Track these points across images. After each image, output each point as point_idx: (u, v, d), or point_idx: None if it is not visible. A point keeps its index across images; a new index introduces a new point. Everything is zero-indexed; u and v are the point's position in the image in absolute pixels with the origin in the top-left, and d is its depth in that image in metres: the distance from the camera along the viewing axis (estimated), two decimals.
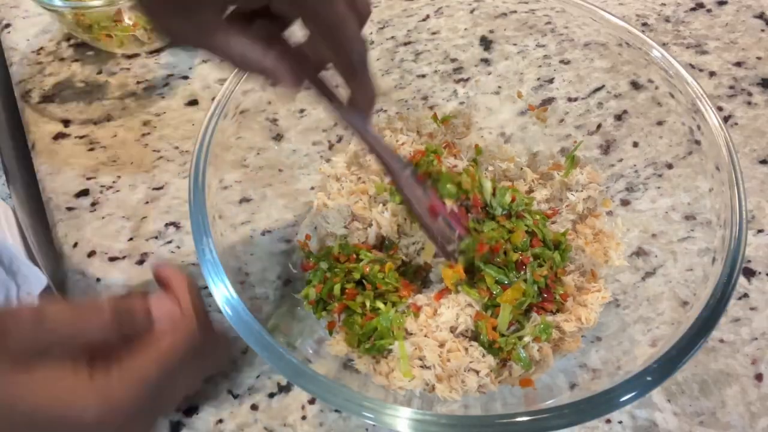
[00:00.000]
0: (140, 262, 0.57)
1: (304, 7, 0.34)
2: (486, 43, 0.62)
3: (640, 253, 0.50)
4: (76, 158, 0.64)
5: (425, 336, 0.46)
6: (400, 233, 0.52)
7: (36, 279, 0.60)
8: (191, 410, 0.49)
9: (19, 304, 0.37)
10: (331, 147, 0.58)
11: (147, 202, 0.61)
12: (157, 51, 0.73)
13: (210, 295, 0.40)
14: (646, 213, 0.52)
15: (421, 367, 0.45)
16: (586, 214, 0.54)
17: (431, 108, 0.61)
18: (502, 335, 0.46)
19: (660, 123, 0.53)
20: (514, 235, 0.49)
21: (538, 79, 0.60)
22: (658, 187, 0.52)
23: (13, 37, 0.75)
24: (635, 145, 0.55)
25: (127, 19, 0.69)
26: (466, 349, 0.46)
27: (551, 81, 0.59)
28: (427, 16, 0.60)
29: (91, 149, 0.65)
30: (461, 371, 0.45)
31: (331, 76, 0.40)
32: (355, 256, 0.50)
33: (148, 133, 0.66)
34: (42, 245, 0.77)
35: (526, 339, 0.46)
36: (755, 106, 0.66)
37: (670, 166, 0.52)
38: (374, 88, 0.41)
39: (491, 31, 0.61)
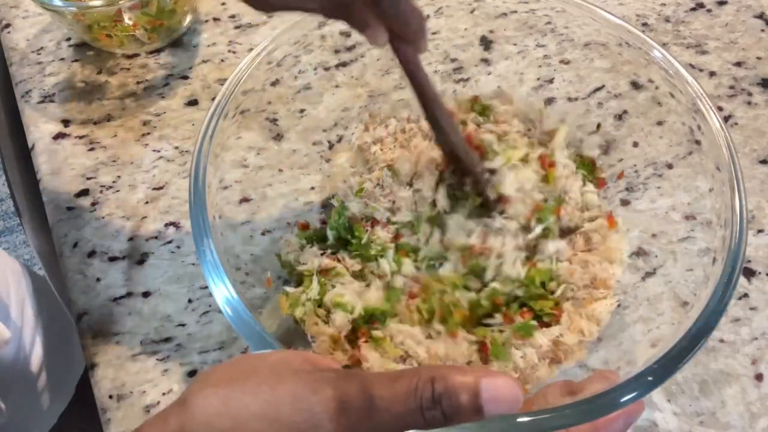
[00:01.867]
0: (140, 262, 0.57)
1: None
2: (486, 43, 0.62)
3: (640, 253, 0.50)
4: (76, 158, 0.64)
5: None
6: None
7: None
8: None
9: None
10: (331, 147, 0.58)
11: (147, 202, 0.61)
12: (157, 51, 0.73)
13: (210, 294, 0.40)
14: (646, 213, 0.52)
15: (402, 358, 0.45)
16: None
17: None
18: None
19: (660, 123, 0.53)
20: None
21: (538, 79, 0.60)
22: (658, 187, 0.52)
23: (13, 37, 0.75)
24: (635, 145, 0.55)
25: (127, 19, 0.69)
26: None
27: (551, 81, 0.59)
28: (427, 16, 0.60)
29: (91, 149, 0.65)
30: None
31: None
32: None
33: (148, 133, 0.66)
34: (42, 245, 0.77)
35: (506, 334, 0.46)
36: (755, 106, 0.66)
37: (670, 166, 0.52)
38: (417, 15, 0.42)
39: (491, 31, 0.61)
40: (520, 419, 0.33)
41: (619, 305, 0.49)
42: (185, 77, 0.70)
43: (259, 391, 0.29)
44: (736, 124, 0.64)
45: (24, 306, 0.67)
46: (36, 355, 0.68)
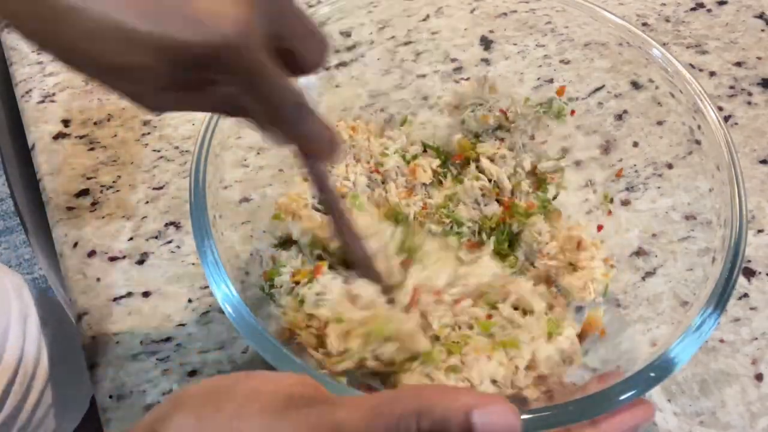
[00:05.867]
0: (140, 262, 0.57)
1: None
2: (486, 43, 0.62)
3: (640, 253, 0.51)
4: (76, 158, 0.64)
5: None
6: None
7: None
8: None
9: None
10: None
11: (147, 202, 0.61)
12: None
13: (210, 294, 0.40)
14: (646, 213, 0.52)
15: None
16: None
17: (431, 108, 0.61)
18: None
19: (660, 123, 0.53)
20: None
21: (538, 79, 0.60)
22: (658, 187, 0.52)
23: (13, 37, 0.75)
24: (635, 144, 0.55)
25: None
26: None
27: (551, 81, 0.59)
28: (427, 16, 0.60)
29: (91, 149, 0.65)
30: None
31: None
32: None
33: (148, 133, 0.66)
34: (42, 245, 0.77)
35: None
36: (755, 106, 0.66)
37: (670, 166, 0.52)
38: (325, 134, 0.38)
39: (491, 31, 0.61)
40: (521, 416, 0.33)
41: (619, 305, 0.49)
42: None
43: None
44: (736, 124, 0.64)
45: (27, 320, 0.67)
46: (42, 370, 0.67)
